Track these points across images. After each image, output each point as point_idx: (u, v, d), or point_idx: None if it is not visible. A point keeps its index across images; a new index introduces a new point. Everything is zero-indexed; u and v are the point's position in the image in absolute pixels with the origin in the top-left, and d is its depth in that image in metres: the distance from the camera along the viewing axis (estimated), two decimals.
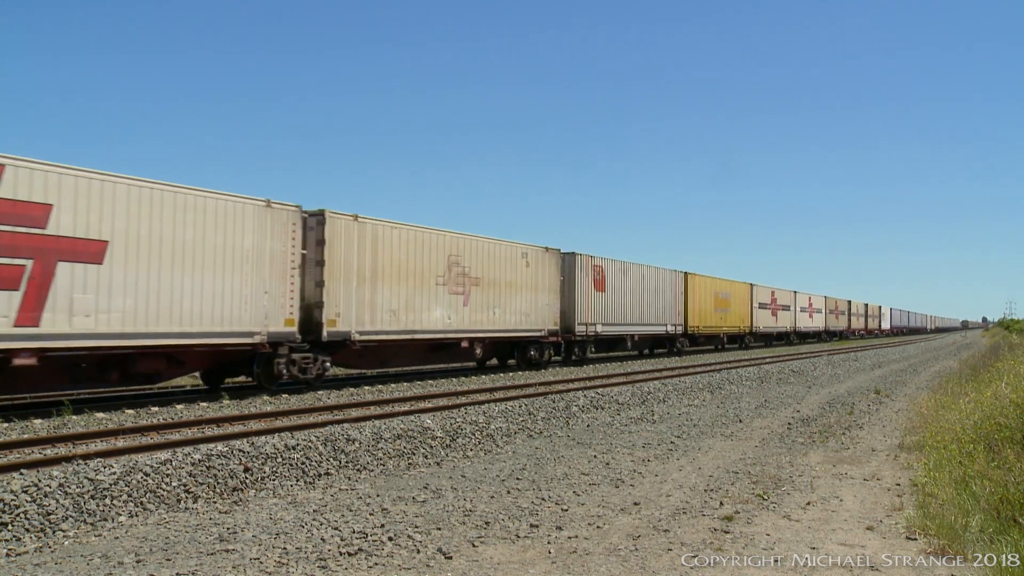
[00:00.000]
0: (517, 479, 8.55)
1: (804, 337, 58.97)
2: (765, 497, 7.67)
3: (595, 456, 9.98)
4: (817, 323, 60.47)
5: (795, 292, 53.80)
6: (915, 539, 6.23)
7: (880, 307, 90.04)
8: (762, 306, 46.77)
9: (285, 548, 5.96)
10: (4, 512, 6.59)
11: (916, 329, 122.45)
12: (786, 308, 51.31)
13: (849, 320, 72.61)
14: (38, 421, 11.78)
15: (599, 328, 27.53)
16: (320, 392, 16.33)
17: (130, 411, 13.00)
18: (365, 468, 9.39)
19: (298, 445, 9.44)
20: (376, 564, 5.61)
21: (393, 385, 18.19)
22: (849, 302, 73.50)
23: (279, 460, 8.97)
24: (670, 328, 33.45)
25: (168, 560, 5.73)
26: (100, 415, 12.46)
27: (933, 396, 15.60)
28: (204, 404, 14.16)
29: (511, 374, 22.34)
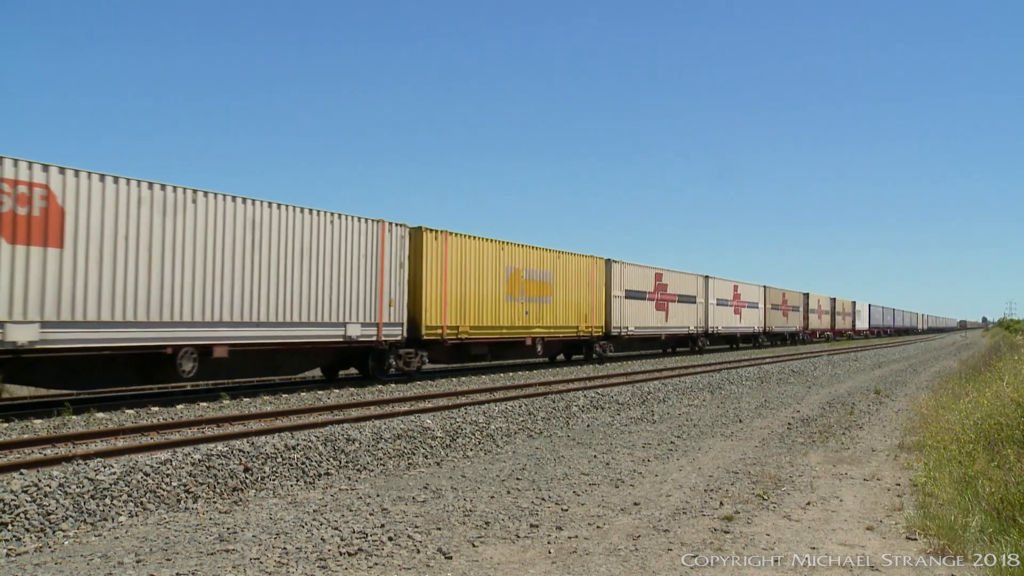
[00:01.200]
0: (517, 479, 8.55)
1: (730, 341, 44.08)
2: (765, 497, 7.67)
3: (595, 456, 9.98)
4: (750, 322, 45.02)
5: (707, 278, 38.60)
6: (915, 539, 6.23)
7: (854, 303, 74.74)
8: (634, 296, 30.11)
9: (285, 548, 5.96)
10: (4, 512, 6.59)
11: (904, 329, 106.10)
12: (689, 300, 35.71)
13: (806, 318, 57.43)
14: (38, 421, 11.78)
15: (26, 334, 11.56)
16: (320, 392, 16.34)
17: (130, 411, 13.00)
18: (365, 468, 9.39)
19: (298, 445, 9.44)
20: (376, 564, 5.61)
21: (393, 385, 18.20)
22: (806, 295, 58.00)
23: (279, 460, 8.97)
24: (362, 331, 17.67)
25: (168, 560, 5.73)
26: (100, 415, 12.46)
27: (933, 396, 15.60)
28: (204, 404, 14.17)
29: None
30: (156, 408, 13.44)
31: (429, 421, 11.59)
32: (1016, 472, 7.21)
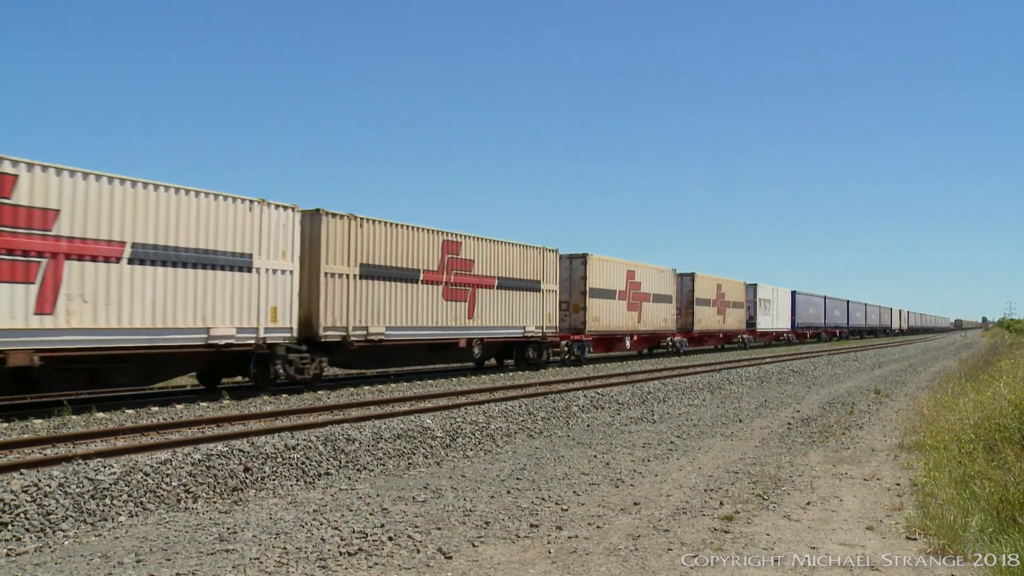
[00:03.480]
0: (517, 479, 8.55)
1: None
2: (765, 497, 7.67)
3: (595, 456, 9.98)
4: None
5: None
6: (915, 539, 6.23)
7: (755, 287, 44.76)
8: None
9: (285, 548, 5.96)
10: (4, 512, 6.59)
11: (868, 330, 77.35)
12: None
13: (583, 309, 26.94)
14: (38, 421, 11.77)
15: None
16: (320, 392, 16.34)
17: (130, 411, 13.00)
18: (365, 468, 9.39)
19: (298, 445, 9.44)
20: (376, 564, 5.61)
21: (393, 385, 18.19)
22: (582, 259, 26.79)
23: (279, 460, 8.97)
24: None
25: (168, 560, 5.73)
26: (100, 415, 12.46)
27: (933, 396, 15.60)
28: (204, 404, 14.15)
29: None
30: (156, 408, 13.44)
31: (429, 421, 11.59)
32: (1016, 472, 7.22)
